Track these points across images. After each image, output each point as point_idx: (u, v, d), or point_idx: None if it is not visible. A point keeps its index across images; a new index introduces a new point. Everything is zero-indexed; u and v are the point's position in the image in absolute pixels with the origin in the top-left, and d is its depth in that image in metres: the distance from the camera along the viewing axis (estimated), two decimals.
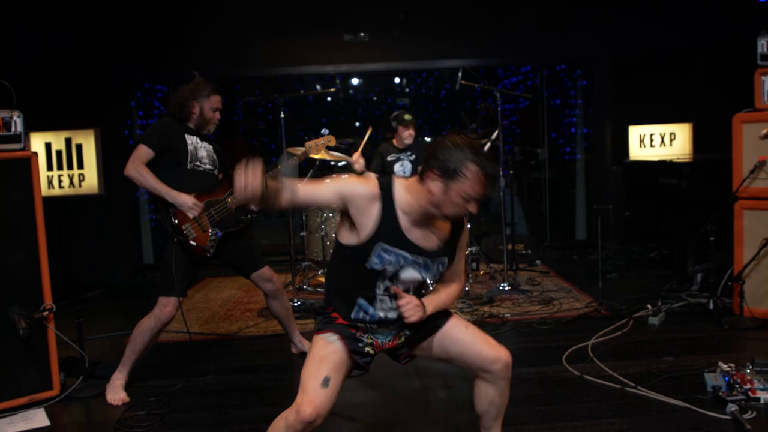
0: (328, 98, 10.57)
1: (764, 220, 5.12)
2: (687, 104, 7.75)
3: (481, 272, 6.92)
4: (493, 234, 7.65)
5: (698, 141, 7.60)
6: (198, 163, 4.26)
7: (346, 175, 2.76)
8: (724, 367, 4.05)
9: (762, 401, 3.66)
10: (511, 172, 7.07)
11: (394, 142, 6.81)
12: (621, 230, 7.81)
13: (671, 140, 7.60)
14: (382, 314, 2.73)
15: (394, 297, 2.71)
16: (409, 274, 2.70)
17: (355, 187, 2.61)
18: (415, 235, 2.67)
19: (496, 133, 6.60)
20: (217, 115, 4.35)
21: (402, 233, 2.64)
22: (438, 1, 7.78)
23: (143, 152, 4.12)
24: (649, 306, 5.44)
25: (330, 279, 2.91)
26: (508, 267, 6.45)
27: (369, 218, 2.61)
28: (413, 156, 6.93)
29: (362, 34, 7.65)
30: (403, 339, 2.88)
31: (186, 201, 4.12)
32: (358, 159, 6.36)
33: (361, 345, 2.79)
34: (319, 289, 6.61)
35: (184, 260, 4.20)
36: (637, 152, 7.57)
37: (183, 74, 4.73)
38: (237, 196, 2.51)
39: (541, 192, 8.97)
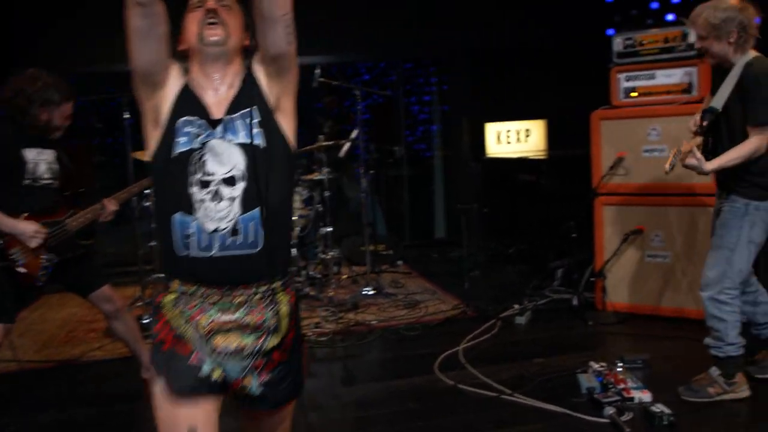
0: None
1: (623, 215, 5.18)
2: (541, 101, 7.82)
3: (344, 276, 6.66)
4: (353, 235, 7.42)
5: (552, 137, 7.69)
6: (35, 178, 3.66)
7: None
8: (596, 366, 4.02)
9: (636, 401, 3.62)
10: (372, 171, 6.85)
11: None
12: (480, 227, 7.79)
13: (526, 137, 7.66)
14: (211, 225, 1.95)
15: (215, 196, 1.97)
16: (215, 144, 1.99)
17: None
18: (208, 99, 2.04)
19: (356, 132, 6.37)
20: (67, 120, 3.73)
21: (195, 97, 2.04)
22: None
23: None
24: (516, 305, 5.38)
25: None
26: (370, 269, 6.23)
27: (168, 93, 2.04)
28: None
29: None
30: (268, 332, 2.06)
31: (26, 229, 3.53)
32: None
33: (204, 369, 2.00)
34: None
35: (11, 282, 3.64)
36: (494, 149, 7.57)
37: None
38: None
39: (399, 190, 8.83)
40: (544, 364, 4.30)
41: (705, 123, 3.59)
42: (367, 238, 6.22)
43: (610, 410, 3.48)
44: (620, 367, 3.98)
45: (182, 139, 1.98)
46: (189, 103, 2.03)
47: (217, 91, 2.04)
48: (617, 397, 3.64)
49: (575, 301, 5.32)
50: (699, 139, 3.61)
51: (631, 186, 5.11)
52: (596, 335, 4.90)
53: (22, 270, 3.58)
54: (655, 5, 6.95)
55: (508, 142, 7.67)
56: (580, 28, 7.55)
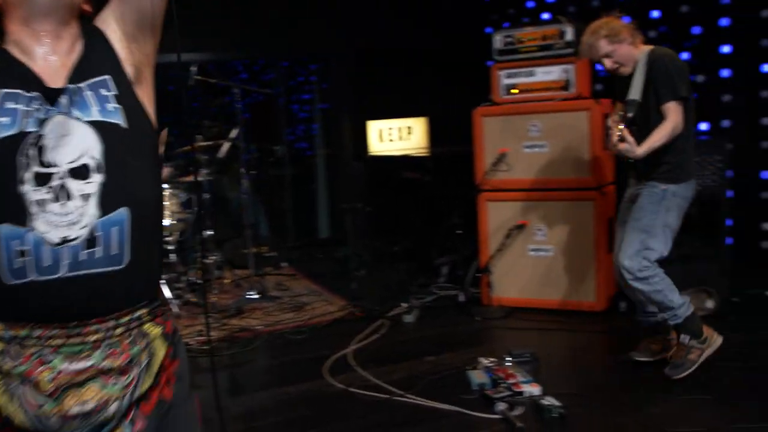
0: None
1: (506, 210, 5.23)
2: (422, 98, 7.85)
3: (226, 280, 6.43)
4: (234, 238, 7.18)
5: (434, 134, 7.73)
6: None
7: None
8: (485, 362, 4.02)
9: (526, 395, 3.63)
10: (253, 171, 6.65)
11: None
12: (364, 226, 7.74)
13: (408, 134, 7.66)
14: (56, 234, 1.41)
15: (58, 193, 1.43)
16: (56, 124, 1.45)
17: None
18: (41, 63, 1.50)
19: (236, 131, 6.15)
20: None
21: (18, 63, 1.49)
22: None
23: None
24: (403, 304, 5.34)
25: None
26: (253, 272, 6.04)
27: None
28: None
29: None
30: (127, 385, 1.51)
31: None
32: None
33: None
34: None
35: None
36: (376, 147, 7.53)
37: None
38: None
39: (281, 190, 8.64)
40: (434, 363, 4.27)
41: (630, 114, 3.68)
42: (249, 241, 6.02)
43: (501, 406, 3.48)
44: (509, 361, 4.00)
45: (3, 120, 1.42)
46: (9, 70, 1.47)
47: (51, 56, 1.50)
48: (508, 392, 3.64)
49: (462, 297, 5.34)
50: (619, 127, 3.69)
51: (513, 181, 5.18)
52: (484, 330, 4.93)
53: None
54: (531, 4, 7.10)
55: (391, 140, 7.65)
56: (459, 26, 7.64)
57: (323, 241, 8.34)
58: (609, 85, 6.02)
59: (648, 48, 3.75)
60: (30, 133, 1.42)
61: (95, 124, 1.47)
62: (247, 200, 6.17)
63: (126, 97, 1.54)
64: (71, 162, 1.44)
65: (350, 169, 7.80)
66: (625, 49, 3.72)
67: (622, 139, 3.56)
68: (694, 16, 5.56)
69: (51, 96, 1.46)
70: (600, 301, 4.91)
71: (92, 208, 1.44)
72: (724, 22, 5.39)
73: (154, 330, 1.56)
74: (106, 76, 1.52)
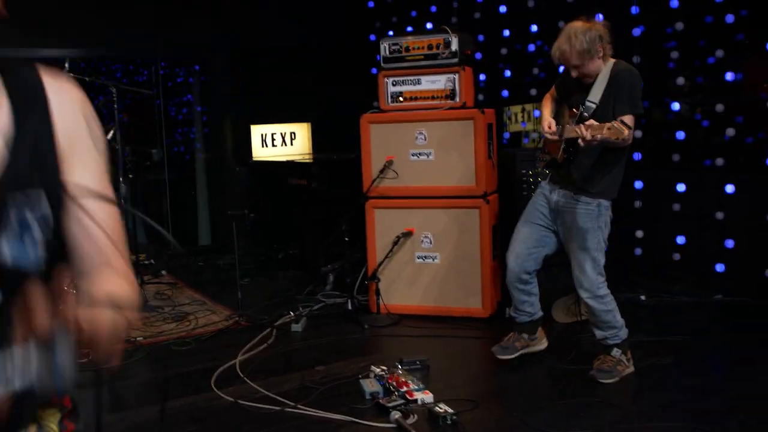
0: None
1: (393, 217, 5.26)
2: (306, 103, 7.81)
3: None
4: None
5: (317, 140, 7.70)
6: None
7: None
8: (377, 370, 4.02)
9: (419, 402, 3.65)
10: (130, 175, 6.38)
11: None
12: (246, 232, 7.59)
13: (292, 140, 7.59)
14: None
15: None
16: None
17: None
18: None
19: (111, 132, 5.89)
20: None
21: None
22: None
23: None
24: (291, 312, 5.26)
25: None
26: None
27: None
28: None
29: None
30: None
31: None
32: None
33: None
34: None
35: None
36: (260, 152, 7.41)
37: None
38: None
39: (159, 195, 8.36)
40: (325, 372, 4.22)
41: (586, 115, 3.74)
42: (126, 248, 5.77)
43: (395, 414, 3.47)
44: (400, 369, 4.01)
45: None
46: None
47: None
48: (401, 401, 3.65)
49: (349, 306, 5.32)
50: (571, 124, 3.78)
51: (400, 189, 5.21)
52: (373, 338, 4.92)
53: None
54: (414, 13, 7.19)
55: (274, 145, 7.56)
56: (343, 32, 7.64)
57: (204, 249, 8.11)
58: (491, 96, 6.21)
59: (613, 61, 3.82)
60: None
61: None
62: (123, 206, 5.90)
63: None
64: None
65: (233, 174, 7.64)
66: (594, 64, 3.75)
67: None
68: None
69: None
70: (486, 307, 5.02)
71: None
72: None
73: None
74: None
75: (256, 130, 7.42)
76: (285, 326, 5.11)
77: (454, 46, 5.07)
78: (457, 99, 5.11)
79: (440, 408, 3.49)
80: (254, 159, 7.32)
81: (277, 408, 3.71)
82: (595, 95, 3.80)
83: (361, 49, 7.53)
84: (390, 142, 5.22)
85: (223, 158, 7.89)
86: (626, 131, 3.50)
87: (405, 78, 5.24)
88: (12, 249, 1.12)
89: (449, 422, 3.42)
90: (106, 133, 6.02)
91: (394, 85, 5.27)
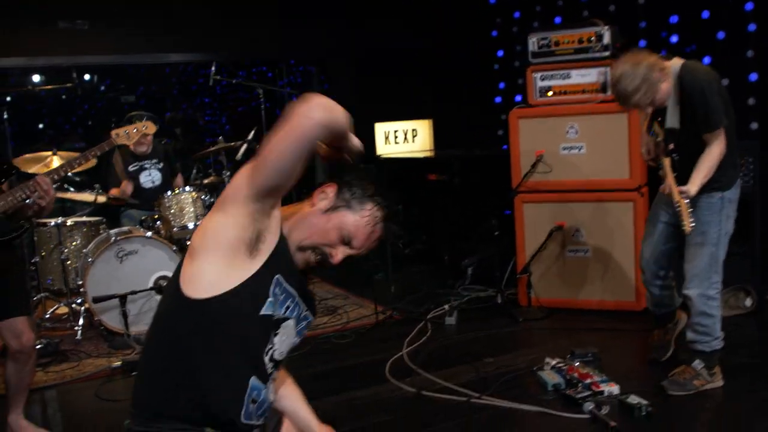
0: (63, 96, 8.98)
1: (543, 212, 5.27)
2: (426, 101, 7.87)
3: None
4: None
5: (438, 137, 7.74)
6: None
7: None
8: (553, 363, 4.04)
9: (606, 394, 3.66)
10: None
11: (131, 148, 5.92)
12: None
13: (414, 136, 7.66)
14: (271, 396, 1.96)
15: (273, 372, 1.93)
16: (291, 329, 1.95)
17: None
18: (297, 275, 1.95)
19: (253, 132, 6.06)
20: None
21: (293, 263, 1.91)
22: None
23: None
24: (446, 306, 5.32)
25: (180, 368, 1.81)
26: None
27: (271, 236, 1.83)
28: (161, 163, 6.12)
29: (80, 21, 6.55)
30: None
31: None
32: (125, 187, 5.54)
33: None
34: (62, 324, 5.51)
35: None
36: (382, 149, 7.50)
37: None
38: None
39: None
40: (496, 364, 4.26)
41: (671, 145, 3.66)
42: None
43: (589, 405, 3.49)
44: (577, 361, 4.03)
45: (270, 300, 1.83)
46: (287, 264, 1.88)
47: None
48: (588, 392, 3.67)
49: (499, 299, 5.35)
50: (668, 161, 3.68)
51: (550, 183, 5.21)
52: (528, 331, 4.94)
53: None
54: (538, 8, 7.15)
55: (396, 142, 7.63)
56: (463, 29, 7.66)
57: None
58: None
59: (677, 66, 3.60)
60: (276, 319, 1.85)
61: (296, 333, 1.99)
62: None
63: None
64: (281, 352, 1.93)
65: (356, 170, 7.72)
66: (663, 90, 3.55)
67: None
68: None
69: (300, 305, 1.94)
70: (640, 300, 4.98)
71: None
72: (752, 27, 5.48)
73: None
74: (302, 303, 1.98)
75: (380, 128, 7.51)
76: (437, 319, 5.17)
77: (606, 39, 5.05)
78: (609, 92, 5.07)
79: (634, 399, 3.50)
80: (381, 155, 7.40)
81: (463, 399, 3.77)
82: (672, 119, 3.65)
83: (481, 45, 7.53)
84: (539, 137, 5.22)
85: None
86: (715, 153, 3.49)
87: (554, 72, 5.24)
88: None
89: (644, 414, 3.42)
90: (247, 133, 6.21)
91: (542, 79, 5.27)
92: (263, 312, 1.81)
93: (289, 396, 2.24)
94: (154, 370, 1.85)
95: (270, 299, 1.81)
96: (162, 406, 1.80)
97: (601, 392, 3.67)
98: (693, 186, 3.52)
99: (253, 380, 1.83)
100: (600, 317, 5.02)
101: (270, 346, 1.86)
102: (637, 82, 3.47)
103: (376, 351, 4.61)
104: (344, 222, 1.90)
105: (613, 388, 3.69)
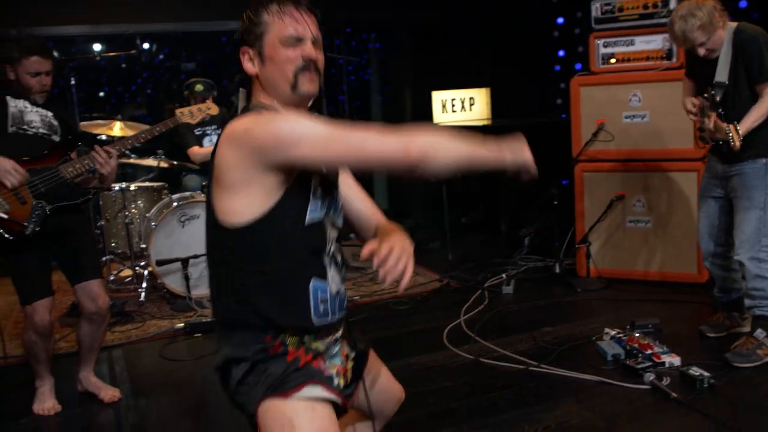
0: (123, 65, 9.13)
1: (602, 181, 5.21)
2: (483, 69, 7.79)
3: None
4: None
5: (495, 105, 7.67)
6: (25, 127, 3.41)
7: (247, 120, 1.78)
8: (613, 333, 4.01)
9: (667, 365, 3.62)
10: None
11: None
12: (427, 197, 7.71)
13: (471, 105, 7.59)
14: (335, 288, 1.93)
15: (335, 261, 1.95)
16: (341, 218, 2.03)
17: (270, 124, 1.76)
18: None
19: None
20: (41, 79, 3.43)
21: None
22: None
23: None
24: (503, 275, 5.32)
25: (249, 280, 1.83)
26: None
27: None
28: (220, 129, 6.20)
29: None
30: (352, 359, 2.04)
31: (5, 167, 3.23)
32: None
33: (334, 380, 1.94)
34: (126, 286, 5.67)
35: (21, 253, 3.37)
36: (439, 118, 7.46)
37: None
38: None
39: None
40: (553, 333, 4.26)
41: (719, 98, 3.63)
42: None
43: (650, 376, 3.46)
44: (637, 332, 3.99)
45: (312, 208, 1.85)
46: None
47: None
48: (648, 363, 3.64)
49: (557, 269, 5.32)
50: (714, 115, 3.61)
51: (611, 152, 5.13)
52: (587, 301, 4.91)
53: (4, 216, 3.27)
54: None
55: (453, 111, 7.59)
56: None
57: (384, 213, 8.24)
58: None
59: (732, 25, 3.63)
60: (321, 221, 1.88)
61: (334, 224, 1.98)
62: None
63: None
64: (334, 241, 1.96)
65: None
66: (719, 36, 3.60)
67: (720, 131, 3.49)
68: None
69: (325, 196, 1.90)
70: (702, 272, 4.88)
71: (342, 273, 2.00)
72: None
73: None
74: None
75: (437, 96, 7.46)
76: (494, 288, 5.17)
77: (672, 4, 4.91)
78: (674, 59, 4.96)
79: (696, 371, 3.46)
80: (436, 124, 7.37)
81: (521, 366, 3.78)
82: (722, 73, 3.63)
83: (541, 12, 7.41)
84: (601, 105, 5.14)
85: (402, 124, 7.98)
86: (764, 108, 3.48)
87: (617, 39, 5.13)
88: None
89: (706, 385, 3.38)
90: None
91: (605, 46, 5.17)
92: (309, 219, 1.84)
93: (354, 198, 2.20)
94: (219, 292, 1.91)
95: (311, 206, 1.84)
96: (237, 321, 1.86)
97: (662, 363, 3.64)
98: (742, 126, 3.49)
99: (314, 282, 1.85)
100: (660, 288, 4.95)
101: (328, 246, 1.92)
102: (700, 14, 3.52)
103: (433, 318, 4.64)
104: (273, 47, 1.83)
105: (675, 360, 3.65)
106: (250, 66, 1.87)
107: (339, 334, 1.99)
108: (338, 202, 2.01)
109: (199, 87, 5.87)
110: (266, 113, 1.82)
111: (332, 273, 1.91)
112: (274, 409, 1.78)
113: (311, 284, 1.84)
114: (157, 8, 6.88)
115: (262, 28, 1.83)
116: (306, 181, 1.83)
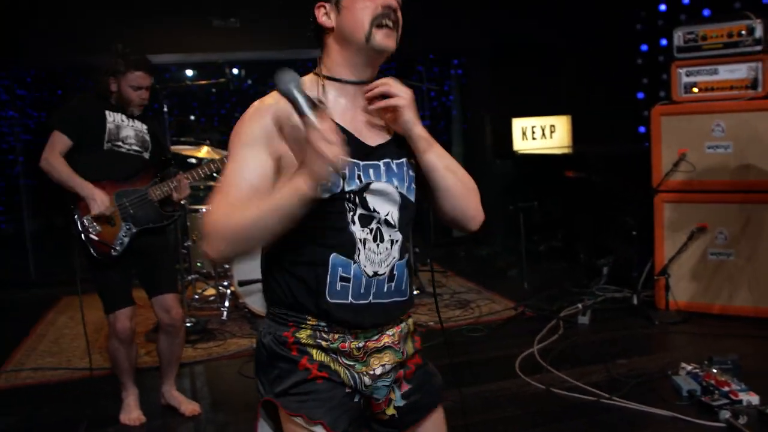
0: (213, 90, 9.60)
1: (683, 212, 5.12)
2: (563, 96, 7.77)
3: None
4: None
5: (576, 133, 7.63)
6: (119, 143, 3.62)
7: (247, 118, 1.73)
8: (689, 368, 3.94)
9: (745, 404, 3.54)
10: None
11: None
12: (505, 225, 7.71)
13: (552, 132, 7.59)
14: (370, 269, 1.74)
15: (377, 237, 1.75)
16: (380, 185, 1.75)
17: (261, 123, 1.68)
18: (358, 126, 1.78)
19: None
20: (141, 93, 3.66)
21: (341, 128, 1.66)
22: None
23: (56, 140, 3.52)
24: (579, 305, 5.28)
25: (272, 265, 1.79)
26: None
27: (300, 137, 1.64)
28: None
29: (233, 19, 6.93)
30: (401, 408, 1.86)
31: (91, 192, 3.47)
32: None
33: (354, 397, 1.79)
34: (210, 305, 5.90)
35: (106, 268, 3.60)
36: (519, 144, 7.48)
37: (28, 65, 4.03)
38: None
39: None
40: (629, 366, 4.21)
41: None
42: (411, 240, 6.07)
43: (725, 414, 3.39)
44: (715, 368, 3.91)
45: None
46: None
47: (370, 122, 1.80)
48: (725, 400, 3.56)
49: (635, 300, 5.25)
50: None
51: (693, 183, 5.05)
52: (664, 335, 4.83)
53: (95, 238, 3.50)
54: (686, 0, 6.90)
55: (534, 138, 7.59)
56: (603, 22, 7.48)
57: (461, 240, 8.28)
58: None
59: None
60: (357, 191, 1.71)
61: (400, 195, 1.79)
62: None
63: (416, 181, 1.85)
64: (385, 214, 1.76)
65: (492, 166, 7.75)
66: None
67: None
68: None
69: (371, 161, 1.75)
70: None
71: (395, 252, 1.78)
72: None
73: (410, 322, 1.94)
74: (410, 159, 1.82)
75: (517, 123, 7.49)
76: (570, 318, 5.14)
77: (758, 33, 4.83)
78: (760, 89, 4.85)
79: None
80: (518, 151, 7.39)
81: (593, 398, 3.75)
82: None
83: (624, 39, 7.34)
84: (683, 135, 5.07)
85: (482, 151, 8.03)
86: None
87: (700, 68, 5.06)
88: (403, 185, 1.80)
89: None
90: None
91: (687, 75, 5.11)
92: (324, 193, 1.66)
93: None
94: (267, 261, 1.83)
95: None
96: (271, 299, 1.82)
97: (740, 401, 3.55)
98: None
99: (334, 258, 1.70)
100: (742, 324, 4.82)
101: (357, 218, 1.72)
102: None
103: (507, 346, 4.65)
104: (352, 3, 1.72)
105: (753, 398, 3.56)
106: (325, 19, 1.75)
107: (382, 342, 1.81)
108: (402, 173, 1.80)
109: None
110: (250, 115, 1.72)
111: (370, 251, 1.73)
112: (279, 411, 1.77)
113: (331, 259, 1.71)
114: (248, 37, 7.17)
115: None
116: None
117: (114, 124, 3.62)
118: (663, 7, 7.09)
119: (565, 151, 7.36)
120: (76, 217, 3.50)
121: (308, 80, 1.77)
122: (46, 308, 6.33)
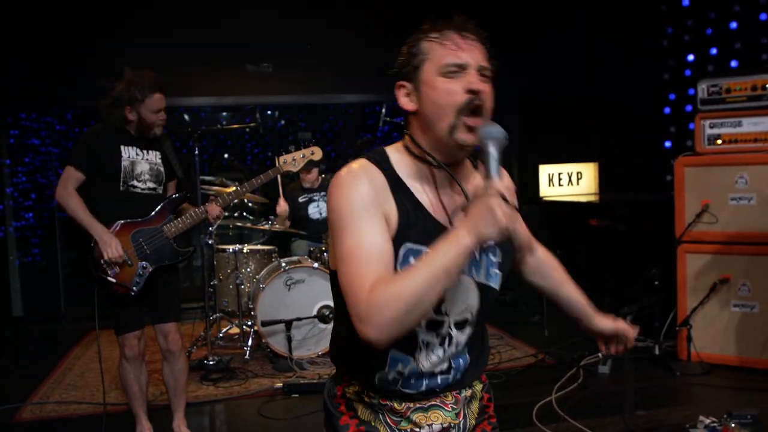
0: (246, 130, 9.84)
1: (706, 263, 5.10)
2: (591, 143, 7.81)
3: None
4: None
5: (604, 180, 7.65)
6: (134, 183, 3.69)
7: (342, 177, 1.63)
8: (707, 421, 3.91)
9: None
10: None
11: (301, 182, 6.47)
12: None
13: (578, 179, 7.61)
14: (427, 365, 1.67)
15: (444, 341, 1.68)
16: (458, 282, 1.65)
17: (364, 189, 1.59)
18: (441, 213, 1.68)
19: None
20: (161, 115, 3.72)
21: (427, 215, 1.65)
22: (344, 32, 7.40)
23: (70, 174, 3.60)
24: (586, 353, 5.25)
25: (341, 330, 1.75)
26: None
27: (390, 213, 1.61)
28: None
29: (265, 64, 7.13)
30: None
31: (106, 240, 3.55)
32: (282, 205, 6.00)
33: None
34: (234, 344, 5.98)
35: (123, 303, 3.72)
36: (545, 191, 7.51)
37: (73, 105, 4.12)
38: None
39: None
40: (647, 417, 4.18)
41: None
42: None
43: None
44: (734, 422, 3.87)
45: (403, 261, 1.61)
46: (420, 222, 1.62)
47: (449, 206, 1.69)
48: None
49: (657, 350, 5.21)
50: None
51: (716, 234, 5.04)
52: (688, 387, 4.78)
53: (113, 280, 3.59)
54: (713, 50, 6.94)
55: (560, 185, 7.62)
56: (631, 71, 7.54)
57: None
58: None
59: None
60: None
61: (479, 285, 1.69)
62: None
63: (502, 263, 1.75)
64: (457, 315, 1.68)
65: (521, 212, 7.76)
66: None
67: None
68: None
69: None
70: None
71: (462, 347, 1.73)
72: None
73: (478, 389, 1.88)
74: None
75: (544, 170, 7.53)
76: (591, 366, 5.12)
77: None
78: None
79: None
80: (544, 197, 7.41)
81: None
82: None
83: (652, 88, 7.39)
84: (706, 186, 5.08)
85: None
86: None
87: (724, 120, 5.09)
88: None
89: None
90: None
91: (711, 127, 5.14)
92: None
93: (550, 276, 2.12)
94: (337, 325, 1.84)
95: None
96: (333, 357, 1.86)
97: None
98: None
99: (393, 354, 1.65)
100: (764, 377, 4.77)
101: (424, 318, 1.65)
102: None
103: (525, 394, 4.65)
104: (431, 79, 1.62)
105: None
106: (406, 101, 1.67)
107: (428, 403, 1.75)
108: (477, 258, 1.69)
109: (302, 134, 6.22)
110: (348, 184, 1.60)
111: (432, 353, 1.67)
112: None
113: (390, 354, 1.65)
114: (280, 81, 7.35)
115: (420, 58, 1.64)
116: (407, 229, 1.61)
117: (129, 161, 3.65)
118: (691, 57, 7.14)
119: (592, 198, 7.37)
120: (95, 256, 3.58)
121: (394, 150, 1.71)
122: (74, 341, 6.47)
